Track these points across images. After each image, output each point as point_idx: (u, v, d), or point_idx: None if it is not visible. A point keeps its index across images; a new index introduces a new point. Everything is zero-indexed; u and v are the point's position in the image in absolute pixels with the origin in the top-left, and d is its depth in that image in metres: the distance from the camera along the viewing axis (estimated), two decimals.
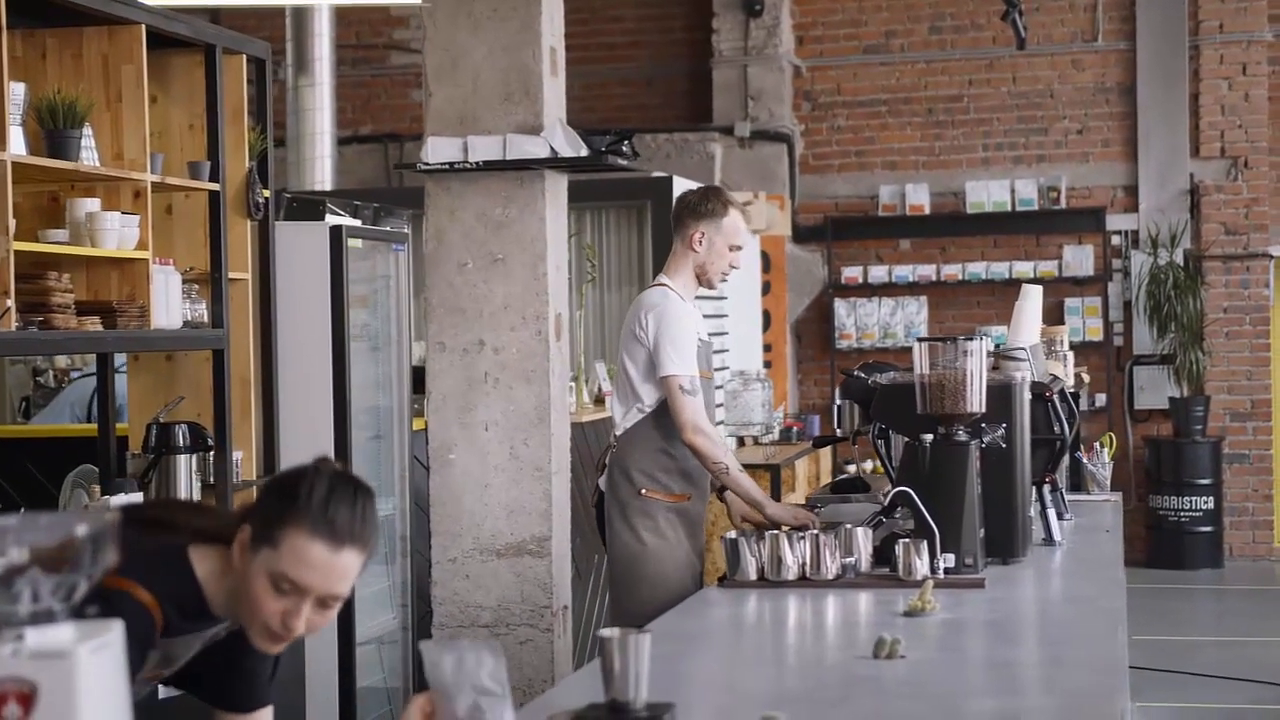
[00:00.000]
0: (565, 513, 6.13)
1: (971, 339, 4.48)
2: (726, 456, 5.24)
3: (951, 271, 13.04)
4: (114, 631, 1.79)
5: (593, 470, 7.68)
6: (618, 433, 5.44)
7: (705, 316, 10.15)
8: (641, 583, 5.31)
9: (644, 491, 5.33)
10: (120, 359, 6.15)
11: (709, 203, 5.46)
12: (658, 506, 5.34)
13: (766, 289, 12.76)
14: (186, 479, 5.54)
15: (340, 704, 6.44)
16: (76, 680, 1.72)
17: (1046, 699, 3.11)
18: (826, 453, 11.56)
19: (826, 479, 10.58)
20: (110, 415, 5.81)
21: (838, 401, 5.26)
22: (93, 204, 5.13)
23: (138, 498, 5.17)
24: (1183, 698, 8.42)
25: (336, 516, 2.63)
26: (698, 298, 5.63)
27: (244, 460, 5.96)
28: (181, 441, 5.54)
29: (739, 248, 5.50)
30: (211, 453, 5.71)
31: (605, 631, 2.74)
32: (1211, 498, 12.50)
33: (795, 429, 11.44)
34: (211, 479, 5.72)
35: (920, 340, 4.52)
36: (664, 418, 5.29)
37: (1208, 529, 12.52)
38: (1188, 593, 11.87)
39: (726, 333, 11.08)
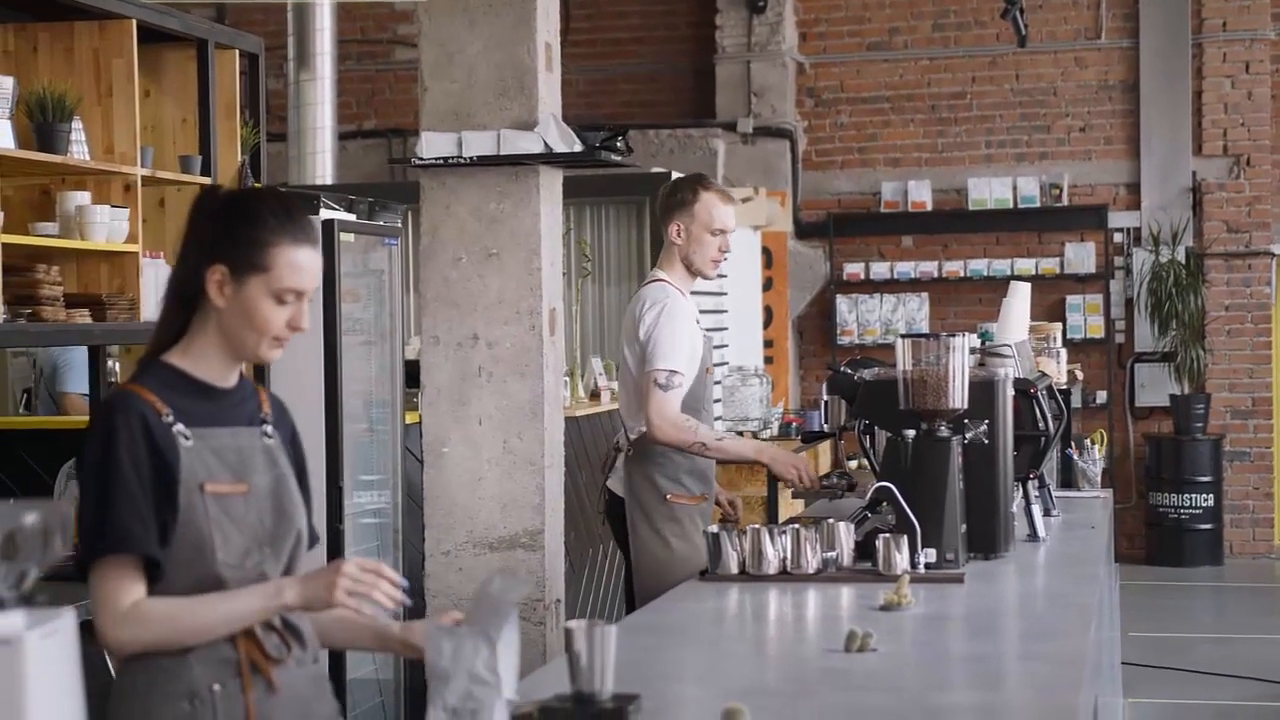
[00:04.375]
0: (559, 507, 6.14)
1: (954, 336, 4.49)
2: (698, 435, 5.17)
3: (953, 268, 13.05)
4: (64, 619, 1.81)
5: (587, 464, 7.70)
6: (631, 435, 5.33)
7: (704, 312, 10.22)
8: (671, 588, 5.21)
9: (670, 497, 5.26)
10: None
11: (679, 193, 5.42)
12: (684, 510, 5.26)
13: (768, 285, 12.78)
14: None
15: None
16: (25, 667, 1.73)
17: (1011, 693, 3.12)
18: (826, 448, 11.57)
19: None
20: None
21: (824, 397, 5.26)
22: (83, 197, 5.16)
23: None
24: (1178, 694, 8.44)
25: (301, 221, 2.90)
26: (693, 292, 5.60)
27: None
28: None
29: (722, 232, 5.39)
30: None
31: (572, 623, 2.77)
32: (1212, 495, 12.51)
33: (796, 425, 11.44)
34: None
35: (903, 337, 4.53)
36: None
37: (1208, 526, 12.53)
38: (1187, 589, 11.87)
39: (726, 328, 11.10)
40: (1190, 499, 12.48)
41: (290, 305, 2.88)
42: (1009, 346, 5.30)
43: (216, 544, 2.84)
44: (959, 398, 4.46)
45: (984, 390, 4.62)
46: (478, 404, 5.94)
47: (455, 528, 5.82)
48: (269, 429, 3.00)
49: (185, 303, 2.91)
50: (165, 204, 5.81)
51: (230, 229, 2.88)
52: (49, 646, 1.77)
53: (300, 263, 2.87)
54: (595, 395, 8.14)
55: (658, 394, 5.17)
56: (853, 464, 12.73)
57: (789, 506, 9.35)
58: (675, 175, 10.41)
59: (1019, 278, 12.65)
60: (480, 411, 5.95)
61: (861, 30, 13.40)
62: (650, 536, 5.26)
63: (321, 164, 11.15)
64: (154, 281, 5.40)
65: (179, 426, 2.85)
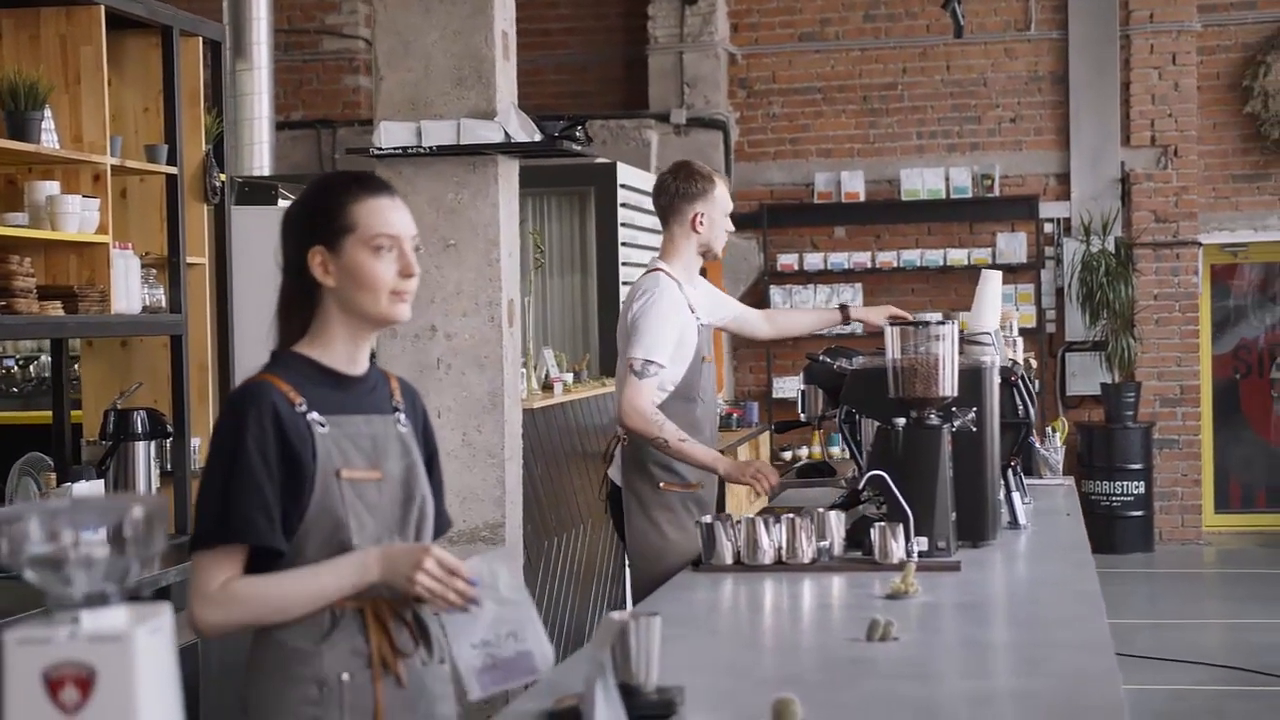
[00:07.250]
0: (518, 499, 6.11)
1: (943, 323, 4.49)
2: (663, 431, 5.11)
3: (886, 259, 13.09)
4: (165, 615, 1.76)
5: (543, 457, 7.66)
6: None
7: None
8: (667, 576, 5.14)
9: (663, 485, 5.24)
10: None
11: (696, 182, 5.42)
12: (676, 498, 5.23)
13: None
14: (145, 466, 5.47)
15: None
16: (134, 662, 1.70)
17: (1046, 680, 3.10)
18: (765, 438, 11.61)
19: None
20: (65, 402, 5.73)
21: (801, 386, 5.24)
22: (52, 187, 5.06)
23: (99, 485, 5.11)
24: (1127, 680, 8.50)
25: (369, 180, 2.99)
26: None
27: (202, 447, 5.90)
28: (140, 428, 5.47)
29: (729, 212, 5.55)
30: (170, 439, 5.64)
31: (616, 614, 2.73)
32: (1142, 482, 12.64)
33: (735, 416, 11.47)
34: (169, 466, 5.65)
35: (893, 324, 4.52)
36: (675, 405, 5.20)
37: (1138, 513, 12.67)
38: (1119, 576, 11.98)
39: None
40: (1121, 486, 12.61)
41: (391, 255, 2.91)
42: (988, 335, 5.31)
43: (352, 529, 2.86)
44: (949, 385, 4.46)
45: (972, 377, 4.62)
46: (436, 396, 5.90)
47: None
48: (402, 417, 3.02)
49: (302, 302, 2.95)
50: (128, 194, 5.70)
51: (311, 213, 2.96)
52: (155, 642, 1.73)
53: (381, 209, 2.93)
54: (549, 387, 8.09)
55: (631, 380, 5.12)
56: (786, 455, 12.75)
57: (736, 501, 9.35)
58: (622, 167, 10.40)
59: (951, 268, 12.78)
60: (439, 404, 5.92)
61: (793, 21, 13.43)
62: (645, 525, 5.24)
63: (259, 155, 11.01)
64: (124, 273, 5.30)
65: (313, 415, 2.88)
